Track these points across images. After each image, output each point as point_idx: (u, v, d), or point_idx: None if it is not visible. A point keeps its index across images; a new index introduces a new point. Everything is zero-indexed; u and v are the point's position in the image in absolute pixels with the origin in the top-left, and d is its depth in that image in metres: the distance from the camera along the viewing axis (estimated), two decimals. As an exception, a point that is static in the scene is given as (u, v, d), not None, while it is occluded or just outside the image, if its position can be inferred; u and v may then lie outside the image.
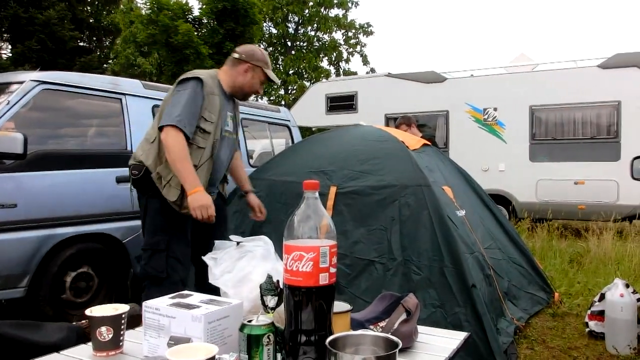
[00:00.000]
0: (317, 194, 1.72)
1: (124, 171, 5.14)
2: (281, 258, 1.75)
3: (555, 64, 11.77)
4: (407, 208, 4.38)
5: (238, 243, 2.23)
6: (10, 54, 16.79)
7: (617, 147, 10.42)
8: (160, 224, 3.59)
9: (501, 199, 11.18)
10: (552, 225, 9.87)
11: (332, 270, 1.68)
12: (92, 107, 5.36)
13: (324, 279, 1.65)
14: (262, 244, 2.22)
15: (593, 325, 4.70)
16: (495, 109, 11.59)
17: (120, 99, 5.42)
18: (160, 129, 3.47)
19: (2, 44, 18.34)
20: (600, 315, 4.64)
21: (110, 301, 4.95)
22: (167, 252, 3.53)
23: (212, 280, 2.12)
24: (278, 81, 3.95)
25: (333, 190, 4.62)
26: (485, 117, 11.69)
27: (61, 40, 16.18)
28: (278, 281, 1.78)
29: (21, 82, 4.76)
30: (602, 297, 4.66)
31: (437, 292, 4.04)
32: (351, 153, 4.94)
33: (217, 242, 2.30)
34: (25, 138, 4.26)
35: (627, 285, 4.55)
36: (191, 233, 3.70)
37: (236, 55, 3.77)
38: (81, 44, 20.57)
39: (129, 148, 5.32)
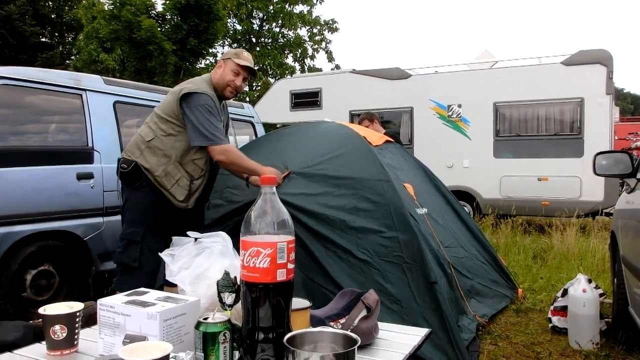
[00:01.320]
0: (274, 189, 1.70)
1: (85, 168, 5.15)
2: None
3: (519, 60, 11.82)
4: (365, 201, 4.33)
5: (196, 239, 2.21)
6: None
7: (581, 144, 10.52)
8: (140, 216, 3.78)
9: (465, 195, 11.30)
10: (516, 222, 9.93)
11: (290, 266, 1.66)
12: (52, 103, 5.28)
13: (281, 275, 1.63)
14: (220, 240, 2.19)
15: (556, 320, 4.75)
16: (459, 106, 11.65)
17: (81, 95, 5.35)
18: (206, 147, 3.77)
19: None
20: (563, 310, 4.69)
21: (72, 299, 4.89)
22: (141, 243, 3.71)
23: (169, 277, 2.09)
24: (251, 64, 4.01)
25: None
26: (450, 113, 11.75)
27: (22, 35, 16.02)
28: (235, 277, 1.75)
29: (-22, 78, 4.68)
30: (565, 292, 4.71)
31: (395, 289, 4.00)
32: (312, 148, 4.86)
33: (174, 238, 2.27)
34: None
35: (590, 281, 4.60)
36: (174, 230, 3.74)
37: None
38: (43, 39, 20.39)
39: (90, 144, 5.28)
